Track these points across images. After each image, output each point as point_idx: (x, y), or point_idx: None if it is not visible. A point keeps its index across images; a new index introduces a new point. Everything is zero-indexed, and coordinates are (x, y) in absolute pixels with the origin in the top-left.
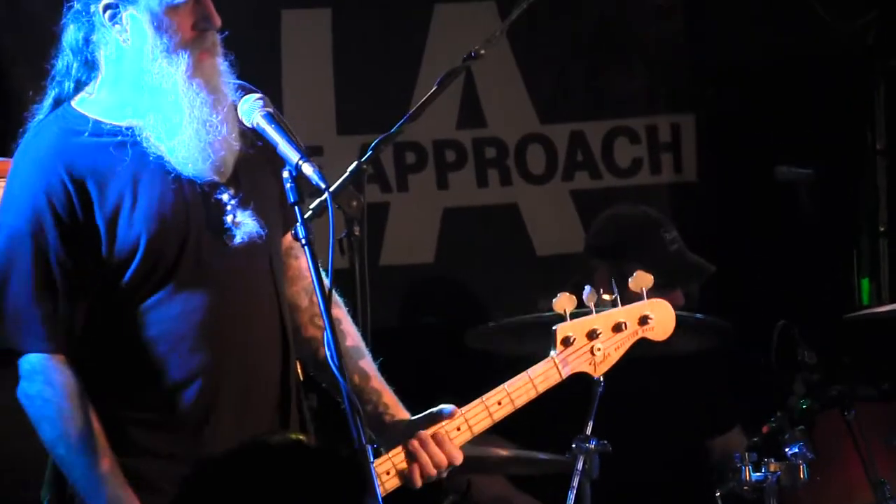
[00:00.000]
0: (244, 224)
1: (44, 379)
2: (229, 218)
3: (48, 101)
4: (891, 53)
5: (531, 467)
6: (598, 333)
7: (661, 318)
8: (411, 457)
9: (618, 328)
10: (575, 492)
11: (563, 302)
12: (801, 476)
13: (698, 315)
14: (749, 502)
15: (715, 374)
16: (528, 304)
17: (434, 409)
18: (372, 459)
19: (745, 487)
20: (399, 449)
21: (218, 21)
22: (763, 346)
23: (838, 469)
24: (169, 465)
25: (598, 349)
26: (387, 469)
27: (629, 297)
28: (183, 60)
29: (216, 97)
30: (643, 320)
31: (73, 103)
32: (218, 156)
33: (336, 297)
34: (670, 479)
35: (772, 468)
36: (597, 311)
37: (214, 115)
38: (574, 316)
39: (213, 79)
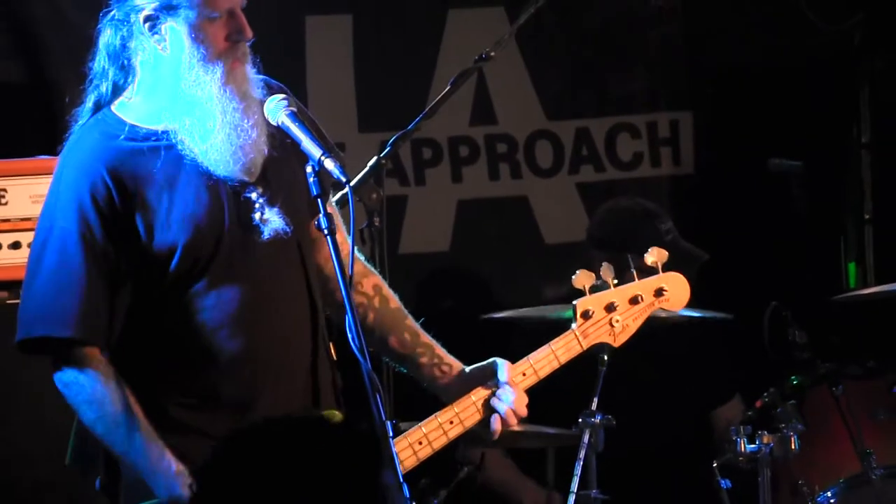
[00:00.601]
0: (271, 221)
1: (78, 367)
2: (257, 215)
3: (89, 105)
4: (875, 54)
5: (541, 440)
6: (616, 306)
7: (675, 290)
8: (491, 408)
9: (634, 300)
10: (581, 463)
11: (582, 278)
12: (793, 447)
13: (696, 314)
14: (744, 472)
15: (713, 350)
16: (537, 289)
17: (486, 363)
18: (392, 435)
19: (741, 458)
20: (467, 400)
21: (249, 33)
22: (757, 327)
23: (827, 441)
24: (211, 443)
25: (617, 321)
26: (450, 419)
27: (647, 272)
28: (217, 69)
29: (246, 103)
30: (658, 292)
31: (113, 108)
32: (248, 158)
33: (371, 267)
34: (671, 450)
35: (765, 440)
36: (616, 286)
37: (245, 120)
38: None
39: (244, 86)
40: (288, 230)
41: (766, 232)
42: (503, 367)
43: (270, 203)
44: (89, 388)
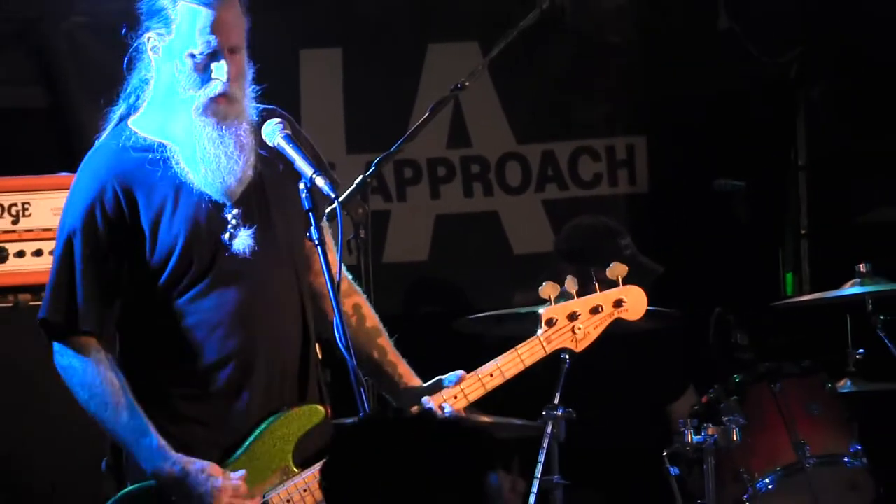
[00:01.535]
0: (238, 239)
1: (73, 353)
2: (226, 235)
3: (115, 117)
4: (810, 85)
5: (508, 431)
6: (578, 315)
7: (633, 302)
8: None
9: (595, 310)
10: (545, 452)
11: (548, 290)
12: (735, 438)
13: (651, 307)
14: (691, 460)
15: (665, 351)
16: (506, 294)
17: (439, 378)
18: None
19: (688, 448)
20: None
21: (224, 77)
22: (703, 329)
23: (766, 432)
24: (206, 431)
25: (579, 328)
26: None
27: (608, 285)
28: (196, 100)
29: (231, 130)
30: (618, 303)
31: (130, 121)
32: (228, 181)
33: (356, 286)
34: (625, 441)
35: (710, 432)
36: (579, 297)
37: (227, 147)
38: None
39: (229, 115)
40: (253, 247)
41: (713, 244)
42: (450, 384)
43: (245, 223)
44: (81, 372)
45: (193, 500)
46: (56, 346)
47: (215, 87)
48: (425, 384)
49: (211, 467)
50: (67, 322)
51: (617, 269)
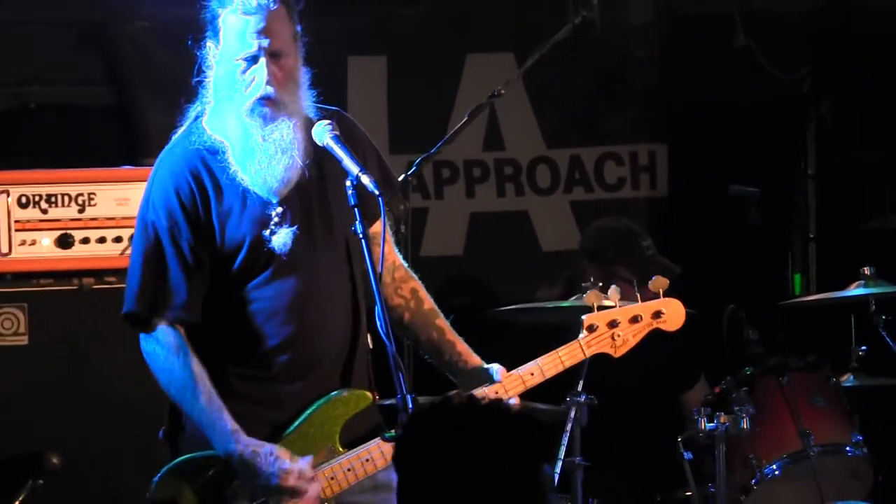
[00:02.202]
0: (277, 236)
1: (156, 340)
2: (267, 232)
3: (191, 115)
4: (820, 100)
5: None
6: (618, 323)
7: (672, 313)
8: None
9: (634, 319)
10: (568, 435)
11: (592, 297)
12: (745, 427)
13: None
14: (703, 446)
15: (680, 344)
16: (533, 288)
17: (490, 365)
18: (412, 406)
19: (701, 434)
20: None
21: (263, 81)
22: (716, 325)
23: (773, 422)
24: (257, 408)
25: (618, 335)
26: None
27: (649, 296)
28: (242, 103)
29: (278, 132)
30: (656, 314)
31: (203, 120)
32: (272, 182)
33: (412, 272)
34: (643, 426)
35: (722, 420)
36: (620, 306)
37: (272, 150)
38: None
39: (276, 116)
40: (291, 247)
41: (726, 246)
42: (497, 375)
43: (287, 221)
44: (163, 358)
45: (262, 480)
46: (143, 332)
47: (257, 89)
48: (485, 365)
49: (279, 450)
50: (152, 310)
51: (659, 282)
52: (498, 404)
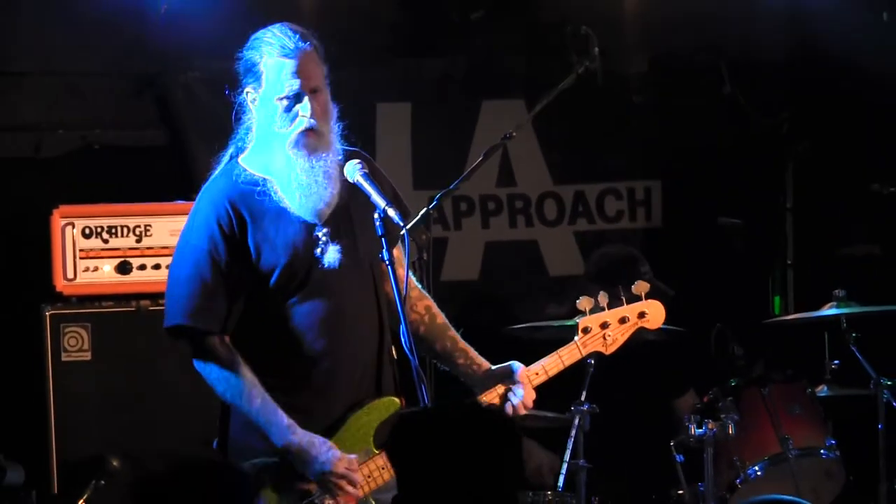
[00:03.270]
0: (328, 254)
1: (208, 352)
2: (318, 250)
3: (227, 155)
4: (798, 141)
5: (542, 421)
6: (609, 324)
7: (654, 313)
8: (507, 398)
9: (623, 320)
10: (572, 440)
11: (584, 303)
12: (730, 432)
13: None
14: (694, 449)
15: (672, 359)
16: (542, 308)
17: (506, 364)
18: None
19: (691, 439)
20: (492, 391)
21: (307, 114)
22: (705, 341)
23: (756, 428)
24: (300, 417)
25: (609, 335)
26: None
27: (633, 299)
28: (286, 137)
29: (320, 164)
30: (641, 315)
31: (240, 158)
32: (318, 205)
33: (425, 292)
34: (639, 432)
35: (710, 426)
36: (609, 309)
37: (316, 178)
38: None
39: (317, 150)
40: (341, 261)
41: (714, 271)
42: (518, 369)
43: (333, 240)
44: (218, 369)
45: (316, 466)
46: (196, 346)
47: (302, 123)
48: (494, 368)
49: (331, 442)
50: (202, 324)
51: (641, 287)
52: (474, 405)
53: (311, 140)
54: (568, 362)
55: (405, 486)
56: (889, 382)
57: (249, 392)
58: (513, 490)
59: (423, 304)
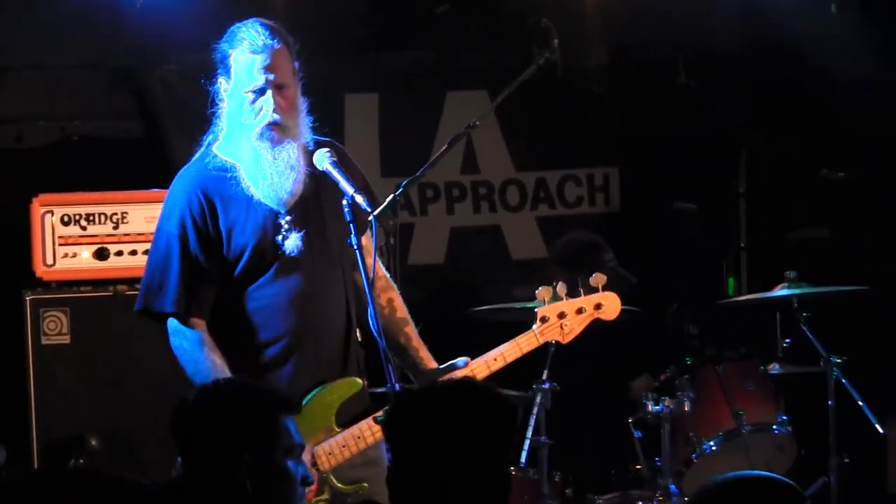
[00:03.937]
0: (289, 240)
1: (182, 335)
2: (280, 237)
3: (205, 143)
4: (751, 130)
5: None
6: (566, 314)
7: (610, 305)
8: None
9: (579, 311)
10: (534, 418)
11: (543, 293)
12: (686, 409)
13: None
14: (651, 425)
15: (629, 339)
16: (505, 290)
17: (451, 362)
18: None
19: (649, 416)
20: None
21: (270, 109)
22: (662, 321)
23: (711, 405)
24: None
25: (566, 325)
26: None
27: (590, 290)
28: (252, 129)
29: (284, 154)
30: (597, 306)
31: (214, 146)
32: (281, 194)
33: (392, 283)
34: (600, 409)
35: (667, 403)
36: (567, 299)
37: (280, 167)
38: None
39: (282, 141)
40: (301, 248)
41: (670, 254)
42: (463, 363)
43: (296, 227)
44: (189, 350)
45: None
46: (169, 328)
47: (265, 117)
48: (440, 366)
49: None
50: (174, 307)
51: (598, 279)
52: (471, 382)
53: (275, 133)
54: (526, 349)
55: (399, 460)
56: (838, 360)
57: (216, 376)
58: (506, 465)
59: (387, 295)
